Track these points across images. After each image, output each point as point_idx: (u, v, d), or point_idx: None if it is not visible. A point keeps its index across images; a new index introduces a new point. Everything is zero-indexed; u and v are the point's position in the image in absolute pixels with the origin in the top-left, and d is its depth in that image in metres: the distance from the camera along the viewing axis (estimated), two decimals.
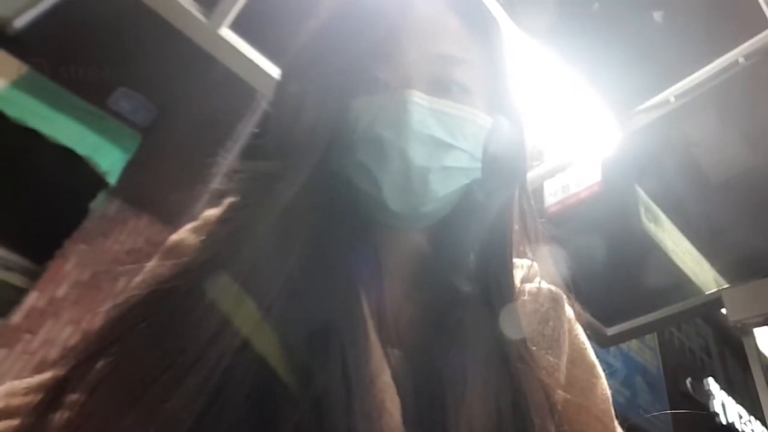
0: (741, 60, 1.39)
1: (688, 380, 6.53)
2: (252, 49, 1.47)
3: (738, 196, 1.73)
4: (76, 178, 2.36)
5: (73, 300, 2.34)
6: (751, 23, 1.33)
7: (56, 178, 2.31)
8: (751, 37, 1.36)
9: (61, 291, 2.33)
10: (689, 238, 1.91)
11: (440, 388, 0.42)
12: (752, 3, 1.25)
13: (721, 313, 1.97)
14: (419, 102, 0.46)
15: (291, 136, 0.46)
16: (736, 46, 1.39)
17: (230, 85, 1.58)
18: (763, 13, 1.27)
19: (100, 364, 0.38)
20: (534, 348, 0.50)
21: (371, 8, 0.49)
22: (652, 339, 6.08)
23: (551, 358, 0.52)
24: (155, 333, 0.39)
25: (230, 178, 0.49)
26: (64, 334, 2.29)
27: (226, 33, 1.42)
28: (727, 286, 2.00)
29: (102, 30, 1.89)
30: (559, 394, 0.48)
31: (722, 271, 1.97)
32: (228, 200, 0.49)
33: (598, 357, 0.58)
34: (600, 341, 2.18)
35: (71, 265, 2.39)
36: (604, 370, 0.57)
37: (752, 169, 1.66)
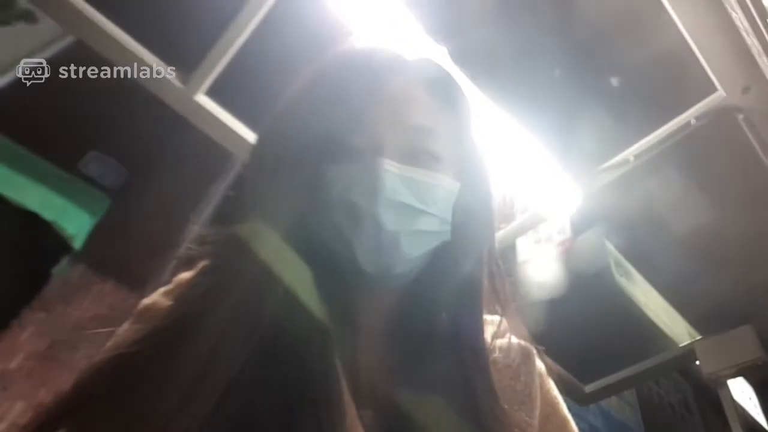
0: (693, 121, 1.49)
1: None
2: (229, 115, 1.49)
3: (702, 249, 1.79)
4: (40, 243, 2.28)
5: (26, 373, 2.19)
6: (700, 87, 1.44)
7: (17, 244, 2.23)
8: (701, 100, 1.47)
9: (14, 363, 2.19)
10: (660, 291, 1.94)
11: None
12: (700, 70, 1.37)
13: (697, 367, 1.98)
14: (391, 170, 0.48)
15: (265, 199, 0.47)
16: (688, 108, 1.50)
17: (205, 149, 1.59)
18: (710, 78, 1.38)
19: None
20: (506, 404, 0.50)
21: (347, 79, 0.51)
22: (631, 395, 6.02)
23: (524, 415, 0.52)
24: (120, 399, 0.38)
25: (203, 242, 0.49)
26: (14, 410, 2.13)
27: (203, 99, 1.44)
28: (699, 338, 2.02)
29: (74, 93, 1.90)
30: None
31: (694, 323, 2.00)
32: (201, 264, 0.49)
33: (579, 417, 0.58)
34: (579, 399, 2.14)
35: (27, 335, 2.26)
36: (585, 430, 0.58)
37: (712, 222, 1.74)
